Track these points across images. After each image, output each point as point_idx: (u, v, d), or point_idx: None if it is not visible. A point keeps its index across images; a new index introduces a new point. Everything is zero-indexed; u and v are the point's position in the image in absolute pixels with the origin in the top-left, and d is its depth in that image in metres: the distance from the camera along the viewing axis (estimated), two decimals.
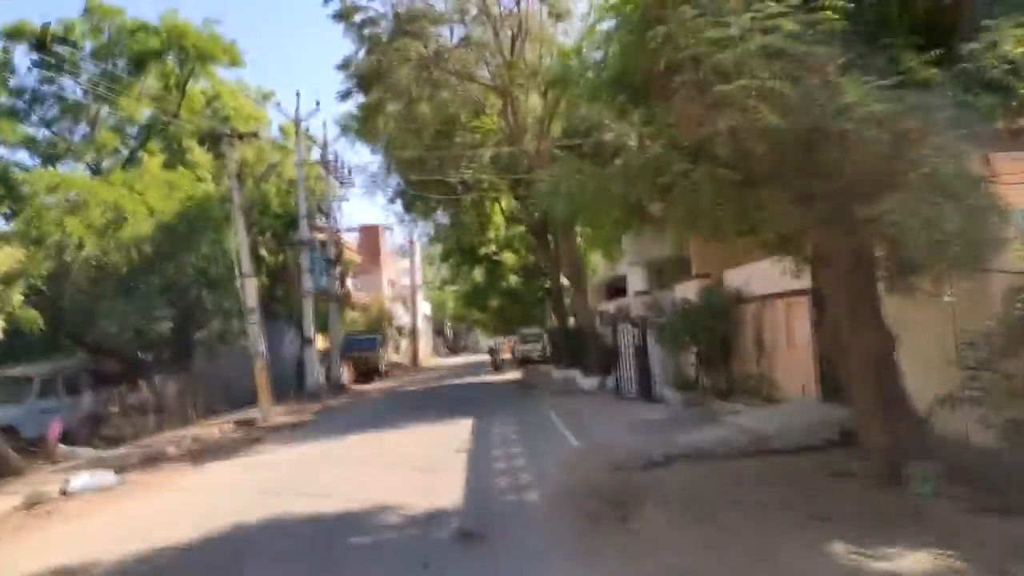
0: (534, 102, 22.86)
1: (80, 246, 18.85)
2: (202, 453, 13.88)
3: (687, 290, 15.65)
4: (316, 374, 28.77)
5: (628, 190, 6.29)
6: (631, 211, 6.64)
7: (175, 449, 14.47)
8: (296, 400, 23.93)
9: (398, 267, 66.72)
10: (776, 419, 9.76)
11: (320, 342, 32.04)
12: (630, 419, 13.81)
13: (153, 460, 13.26)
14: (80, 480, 10.77)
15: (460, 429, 13.97)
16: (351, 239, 52.95)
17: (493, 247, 38.06)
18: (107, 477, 11.04)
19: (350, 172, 28.77)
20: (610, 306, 27.75)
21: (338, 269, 40.01)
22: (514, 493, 8.04)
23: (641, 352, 17.17)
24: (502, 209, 30.68)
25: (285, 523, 7.39)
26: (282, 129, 31.64)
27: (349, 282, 45.05)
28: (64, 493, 10.45)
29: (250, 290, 18.85)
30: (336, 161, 27.89)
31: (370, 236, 58.97)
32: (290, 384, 26.01)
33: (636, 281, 24.31)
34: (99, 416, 18.96)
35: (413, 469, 9.94)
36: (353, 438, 13.79)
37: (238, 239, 18.74)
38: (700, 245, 20.58)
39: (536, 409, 17.07)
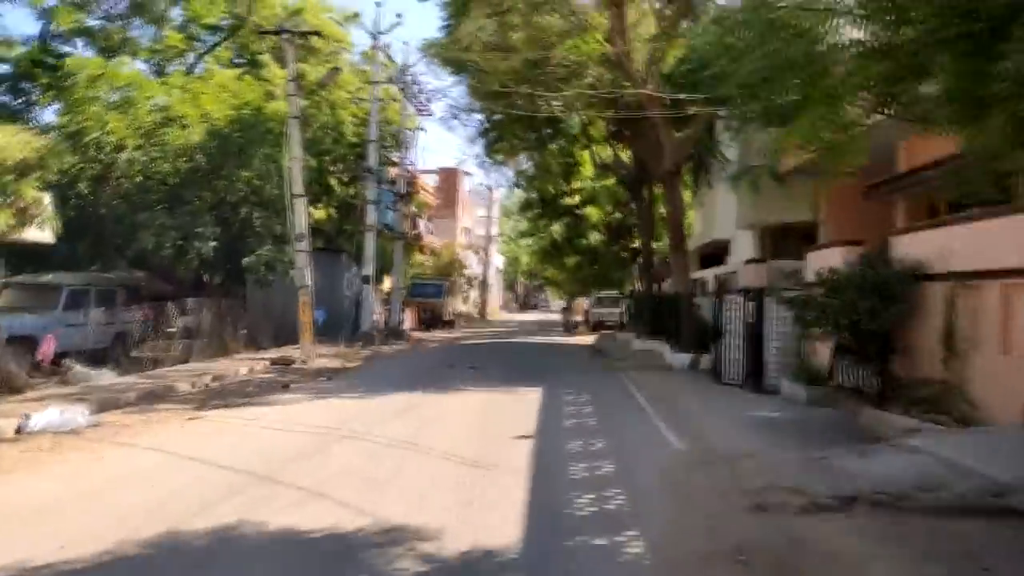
0: (648, 25, 19.39)
1: (119, 147, 16.80)
2: (215, 395, 11.60)
3: (828, 259, 12.18)
4: (373, 316, 26.61)
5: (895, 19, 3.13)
6: (898, 64, 3.47)
7: (189, 386, 12.27)
8: (347, 342, 21.75)
9: (475, 215, 64.39)
10: (997, 455, 6.48)
11: (386, 283, 29.93)
12: (742, 414, 10.73)
13: (156, 397, 11.05)
14: (44, 417, 8.55)
15: (523, 402, 11.18)
16: (429, 182, 50.77)
17: (577, 199, 34.79)
18: (77, 416, 8.77)
19: (429, 100, 25.94)
20: (706, 274, 24.30)
21: (411, 208, 37.74)
22: (604, 531, 5.12)
23: (753, 330, 13.92)
24: (593, 157, 27.27)
25: (235, 547, 4.71)
26: (365, 55, 28.99)
27: (422, 224, 42.83)
28: (19, 431, 8.24)
29: (300, 213, 16.42)
30: (414, 84, 25.04)
31: (449, 179, 56.72)
32: (346, 324, 23.87)
33: (744, 248, 20.80)
34: (130, 336, 17.19)
35: (455, 461, 7.18)
36: (391, 400, 11.18)
37: (292, 153, 16.25)
38: (836, 208, 16.98)
39: (616, 385, 14.11)
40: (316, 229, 26.09)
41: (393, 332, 26.02)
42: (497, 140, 27.14)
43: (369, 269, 23.14)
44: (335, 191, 27.05)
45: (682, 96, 15.47)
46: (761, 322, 13.80)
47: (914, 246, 9.81)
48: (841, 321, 9.21)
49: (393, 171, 27.19)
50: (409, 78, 25.05)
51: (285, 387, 12.58)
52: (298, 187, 16.41)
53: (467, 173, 56.88)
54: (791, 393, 12.58)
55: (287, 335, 19.87)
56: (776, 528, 5.10)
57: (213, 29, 24.31)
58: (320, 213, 25.87)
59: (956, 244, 8.87)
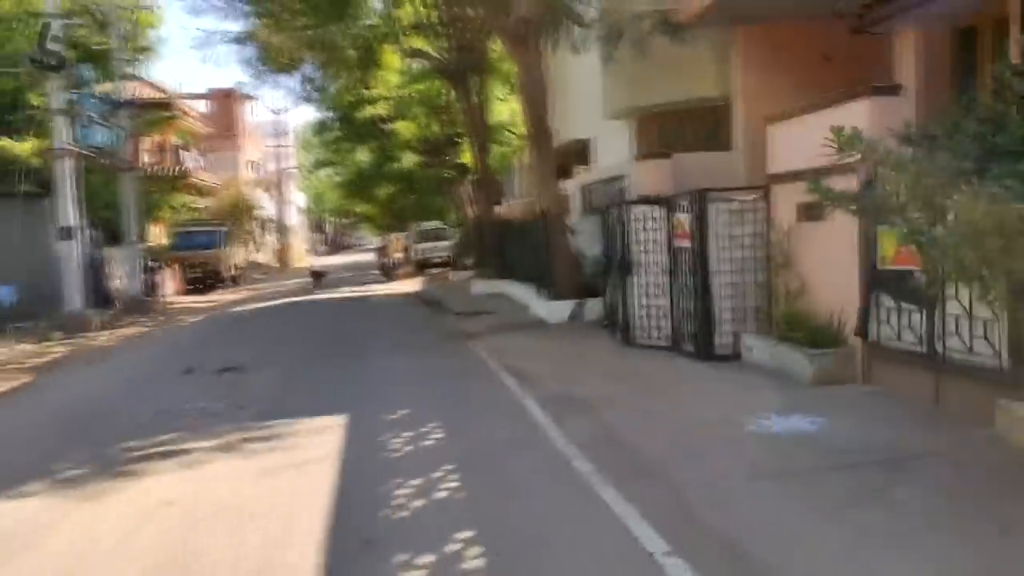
0: None
1: None
2: None
3: (834, 124, 6.77)
4: (114, 283, 18.48)
5: None
6: None
7: None
8: (45, 333, 13.84)
9: (264, 147, 54.51)
10: None
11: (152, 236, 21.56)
12: (740, 424, 5.38)
13: None
14: None
15: (300, 487, 4.84)
16: (200, 108, 41.00)
17: (383, 109, 27.53)
18: None
19: None
20: (565, 187, 18.74)
21: (169, 138, 28.72)
22: None
23: (694, 261, 8.54)
24: (402, 49, 19.91)
25: None
26: None
27: (188, 158, 33.57)
28: None
29: None
30: None
31: (225, 104, 46.48)
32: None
33: (613, 148, 15.40)
34: None
35: None
36: None
37: None
38: (757, 74, 11.83)
39: (482, 380, 8.17)
40: (26, 169, 17.23)
41: (134, 302, 18.07)
42: (270, 39, 19.29)
43: (69, 218, 14.96)
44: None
45: None
46: (703, 247, 8.40)
47: None
48: None
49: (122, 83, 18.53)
50: None
51: None
52: None
53: (249, 97, 46.95)
54: (768, 360, 7.45)
55: None
56: None
57: None
58: (24, 146, 17.04)
59: None
